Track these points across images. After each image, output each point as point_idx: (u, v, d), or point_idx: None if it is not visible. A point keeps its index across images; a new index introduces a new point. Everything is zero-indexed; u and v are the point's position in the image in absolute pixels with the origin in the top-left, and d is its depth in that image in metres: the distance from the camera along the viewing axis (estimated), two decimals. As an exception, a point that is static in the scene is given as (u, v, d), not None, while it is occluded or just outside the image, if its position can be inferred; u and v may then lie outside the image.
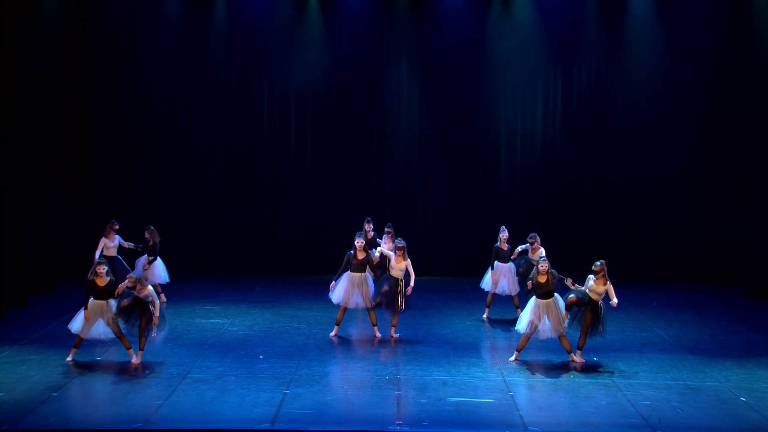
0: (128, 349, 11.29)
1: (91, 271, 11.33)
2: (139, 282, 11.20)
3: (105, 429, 9.03)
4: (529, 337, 11.57)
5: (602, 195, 18.60)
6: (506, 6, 18.47)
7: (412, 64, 18.69)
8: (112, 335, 11.28)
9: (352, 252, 12.76)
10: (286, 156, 18.76)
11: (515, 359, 11.62)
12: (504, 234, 14.18)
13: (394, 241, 14.78)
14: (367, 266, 12.92)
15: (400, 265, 12.63)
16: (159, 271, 14.85)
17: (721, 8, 17.85)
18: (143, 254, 14.93)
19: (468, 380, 10.73)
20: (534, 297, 11.55)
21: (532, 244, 14.13)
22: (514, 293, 14.16)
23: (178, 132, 18.45)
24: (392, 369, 11.16)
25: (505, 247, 14.12)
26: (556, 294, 11.54)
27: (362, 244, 12.74)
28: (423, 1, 18.51)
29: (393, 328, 12.81)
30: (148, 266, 14.68)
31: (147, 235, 14.84)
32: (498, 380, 10.74)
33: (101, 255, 13.97)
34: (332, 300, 12.88)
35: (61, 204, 16.99)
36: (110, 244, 14.51)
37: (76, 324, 11.21)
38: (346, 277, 12.74)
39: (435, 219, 18.68)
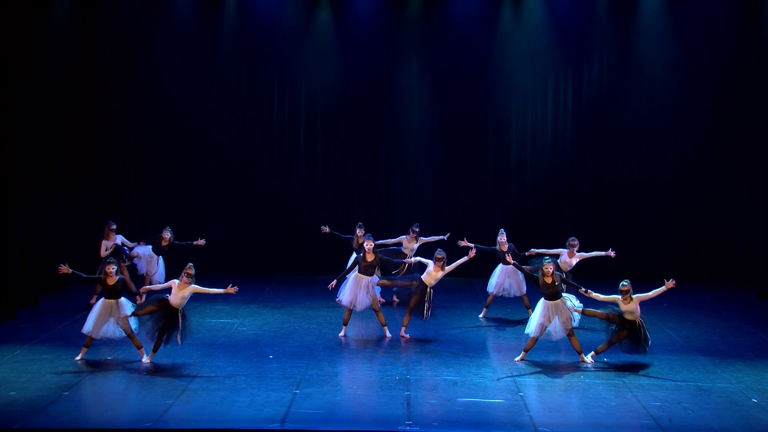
0: (139, 348, 11.31)
1: (99, 271, 11.37)
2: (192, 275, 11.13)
3: (115, 428, 9.05)
4: (537, 339, 11.55)
5: (613, 195, 18.56)
6: (517, 5, 18.45)
7: (422, 64, 18.71)
8: (123, 334, 11.31)
9: (361, 254, 12.80)
10: (297, 155, 18.80)
11: (522, 359, 11.61)
12: (502, 237, 14.19)
13: (417, 240, 14.82)
14: (376, 268, 12.95)
15: (437, 275, 12.55)
16: (162, 270, 14.93)
17: (732, 7, 17.79)
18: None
19: (478, 380, 10.72)
20: (542, 299, 11.53)
21: (572, 247, 14.00)
22: (522, 293, 14.16)
23: (189, 132, 18.51)
24: (402, 369, 11.16)
25: (505, 248, 14.13)
26: (564, 294, 11.52)
27: (371, 247, 12.77)
28: (434, 1, 18.51)
29: (403, 328, 12.81)
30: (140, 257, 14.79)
31: (165, 236, 14.90)
32: (508, 381, 10.73)
33: (107, 255, 14.08)
34: (341, 302, 12.95)
35: (72, 203, 17.04)
36: (111, 245, 14.55)
37: (87, 324, 11.25)
38: (353, 279, 12.80)
39: (445, 219, 18.65)
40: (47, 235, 15.65)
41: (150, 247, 15.05)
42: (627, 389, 10.41)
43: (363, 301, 12.72)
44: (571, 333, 11.45)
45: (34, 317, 13.86)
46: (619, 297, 11.26)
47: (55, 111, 16.23)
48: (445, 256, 12.65)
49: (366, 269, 12.78)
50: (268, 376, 10.72)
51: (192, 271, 11.22)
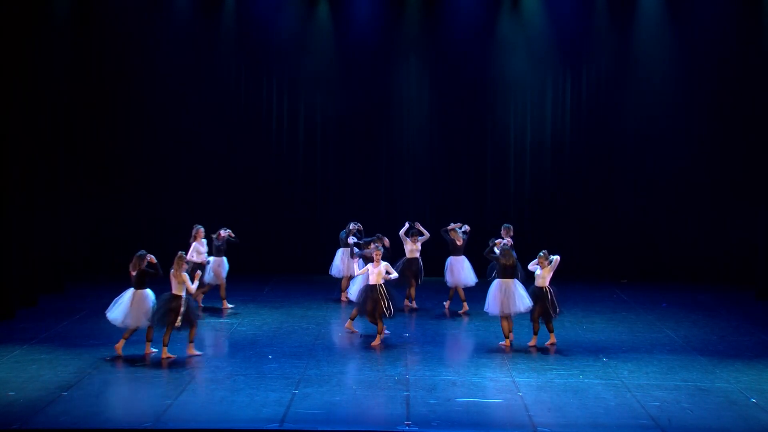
0: (149, 342, 11.47)
1: (138, 262, 11.38)
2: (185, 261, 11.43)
3: (114, 428, 9.05)
4: (508, 319, 12.20)
5: (612, 195, 18.57)
6: (516, 6, 18.46)
7: (421, 64, 18.72)
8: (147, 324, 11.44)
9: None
10: (296, 155, 18.81)
11: (508, 345, 12.17)
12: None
13: (417, 240, 14.72)
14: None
15: (378, 270, 12.36)
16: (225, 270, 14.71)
17: (732, 7, 17.78)
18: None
19: (477, 380, 10.72)
20: (498, 279, 12.26)
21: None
22: (461, 285, 14.63)
23: (189, 133, 18.51)
24: (401, 369, 11.16)
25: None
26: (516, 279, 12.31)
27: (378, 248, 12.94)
28: (433, 2, 18.52)
29: (379, 336, 12.49)
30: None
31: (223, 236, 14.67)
32: (507, 381, 10.73)
33: (193, 263, 13.82)
34: (353, 300, 13.09)
35: (71, 204, 17.04)
36: (202, 249, 14.19)
37: (116, 316, 11.39)
38: (364, 279, 12.84)
39: (444, 219, 18.64)
40: (46, 235, 15.63)
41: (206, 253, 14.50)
42: (626, 389, 10.42)
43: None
44: (508, 314, 12.13)
45: (33, 317, 13.85)
46: (539, 267, 12.11)
47: (55, 111, 16.22)
48: (381, 252, 12.57)
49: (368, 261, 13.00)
50: (267, 376, 10.72)
51: (183, 261, 11.38)
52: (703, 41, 17.98)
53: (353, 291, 13.03)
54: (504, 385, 10.54)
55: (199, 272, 12.58)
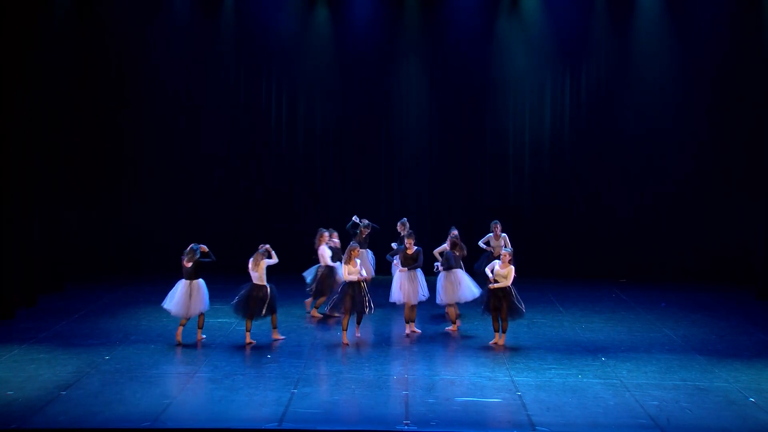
0: (181, 326, 12.15)
1: (192, 254, 11.96)
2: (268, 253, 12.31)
3: (113, 428, 9.05)
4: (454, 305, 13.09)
5: (612, 194, 18.57)
6: (515, 6, 18.47)
7: (420, 64, 18.72)
8: (203, 310, 12.27)
9: (403, 246, 13.24)
10: (296, 155, 18.82)
11: (455, 330, 13.06)
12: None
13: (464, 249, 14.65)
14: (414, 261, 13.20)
15: (351, 268, 12.35)
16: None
17: (731, 7, 17.78)
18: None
19: (476, 380, 10.73)
20: (443, 271, 13.03)
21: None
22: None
23: (188, 133, 18.51)
24: (400, 369, 11.17)
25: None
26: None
27: (411, 242, 13.15)
28: (432, 2, 18.54)
29: (357, 327, 12.70)
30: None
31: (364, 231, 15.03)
32: (506, 380, 10.73)
33: (326, 266, 14.11)
34: (394, 301, 13.18)
35: (71, 204, 17.05)
36: (327, 254, 14.20)
37: (169, 305, 12.08)
38: (399, 275, 13.04)
39: (443, 218, 18.66)
40: (46, 235, 15.64)
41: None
42: (625, 389, 10.42)
43: (415, 292, 13.02)
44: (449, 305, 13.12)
45: (32, 317, 13.86)
46: (498, 262, 12.33)
47: (55, 112, 16.24)
48: (358, 249, 12.56)
49: (407, 262, 13.05)
50: (266, 376, 10.73)
51: (262, 256, 12.30)
52: (703, 41, 17.98)
53: (392, 292, 13.14)
54: (503, 385, 10.54)
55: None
